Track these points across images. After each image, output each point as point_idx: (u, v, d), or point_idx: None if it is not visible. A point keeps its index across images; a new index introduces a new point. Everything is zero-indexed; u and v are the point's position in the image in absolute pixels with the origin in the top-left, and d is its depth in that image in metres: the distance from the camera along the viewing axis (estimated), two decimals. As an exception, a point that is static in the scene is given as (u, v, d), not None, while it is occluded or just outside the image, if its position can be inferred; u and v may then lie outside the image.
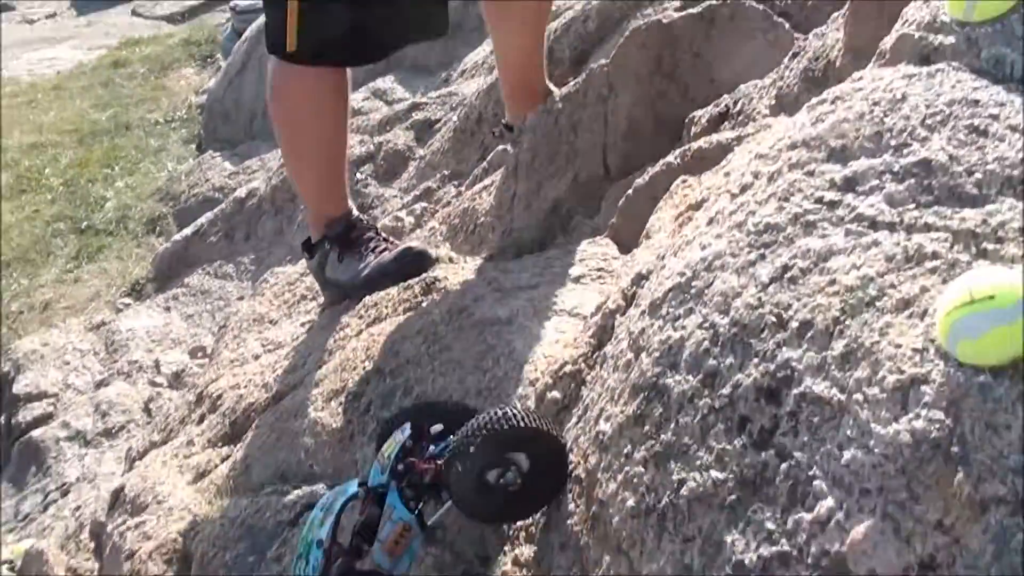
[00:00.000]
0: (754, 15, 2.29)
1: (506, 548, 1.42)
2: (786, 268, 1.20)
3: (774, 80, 1.95)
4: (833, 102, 1.37)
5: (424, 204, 3.34)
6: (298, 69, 2.31)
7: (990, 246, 1.07)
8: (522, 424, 1.30)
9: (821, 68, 1.83)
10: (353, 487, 1.45)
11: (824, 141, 1.31)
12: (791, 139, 1.36)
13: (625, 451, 1.24)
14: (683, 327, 1.26)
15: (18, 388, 3.95)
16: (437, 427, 1.44)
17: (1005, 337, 0.97)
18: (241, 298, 4.33)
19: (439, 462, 1.36)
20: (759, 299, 1.20)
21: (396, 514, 1.36)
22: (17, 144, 6.77)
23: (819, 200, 1.25)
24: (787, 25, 2.29)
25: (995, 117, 1.19)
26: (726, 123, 2.02)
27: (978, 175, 1.14)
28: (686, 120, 2.16)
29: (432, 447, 1.41)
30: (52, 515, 3.14)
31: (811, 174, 1.29)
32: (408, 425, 1.44)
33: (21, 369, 4.10)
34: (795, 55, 1.95)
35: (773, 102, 1.90)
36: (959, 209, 1.13)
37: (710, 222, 1.40)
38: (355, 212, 2.55)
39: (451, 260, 2.61)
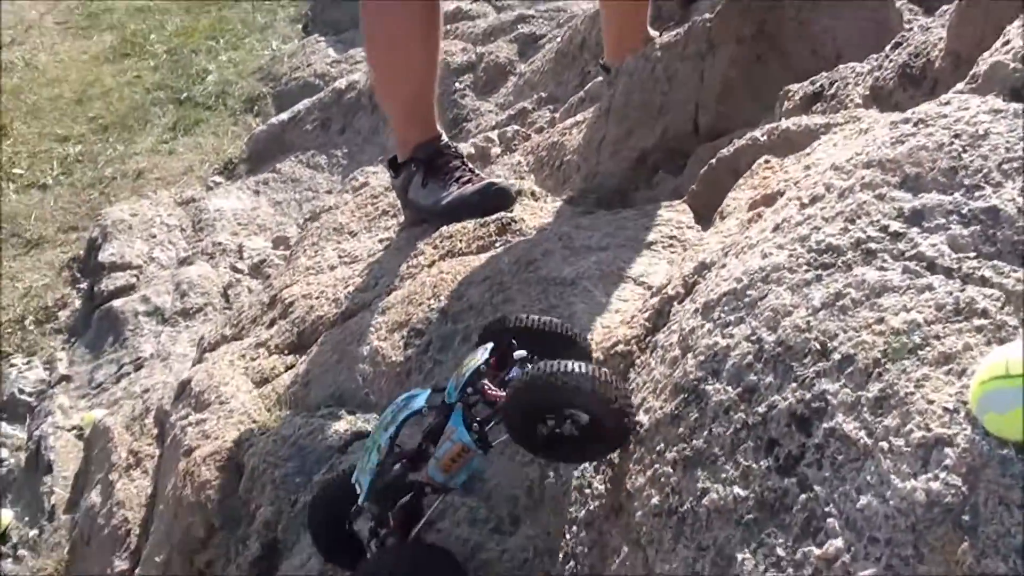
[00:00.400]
0: (865, -10, 2.24)
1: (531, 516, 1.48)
2: (839, 296, 1.22)
3: (872, 68, 1.92)
4: (916, 124, 1.36)
5: (517, 127, 3.35)
6: None
7: (1040, 313, 1.07)
8: (590, 386, 1.25)
9: (920, 66, 1.80)
10: (421, 401, 1.46)
11: (900, 166, 1.31)
12: (868, 156, 1.36)
13: (658, 448, 1.29)
14: (731, 335, 1.29)
15: (103, 256, 4.10)
16: (520, 352, 1.40)
17: (1032, 417, 0.98)
18: (329, 192, 4.43)
19: (501, 395, 1.34)
20: (808, 323, 1.22)
21: (456, 435, 1.36)
22: (125, 7, 6.88)
23: (884, 229, 1.25)
24: (898, 3, 2.24)
25: (1073, 173, 1.18)
26: (819, 104, 2.00)
27: (1044, 233, 1.14)
28: (780, 92, 2.14)
29: (511, 372, 1.38)
30: (124, 388, 3.29)
31: (881, 198, 1.30)
32: (491, 345, 1.42)
33: (108, 237, 4.25)
34: (897, 45, 1.91)
35: (867, 92, 1.88)
36: (1018, 268, 1.13)
37: (776, 229, 1.41)
38: (444, 137, 2.58)
39: (533, 195, 2.64)
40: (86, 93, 5.90)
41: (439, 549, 1.48)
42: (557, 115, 3.34)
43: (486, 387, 1.37)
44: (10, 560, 3.01)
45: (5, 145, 5.37)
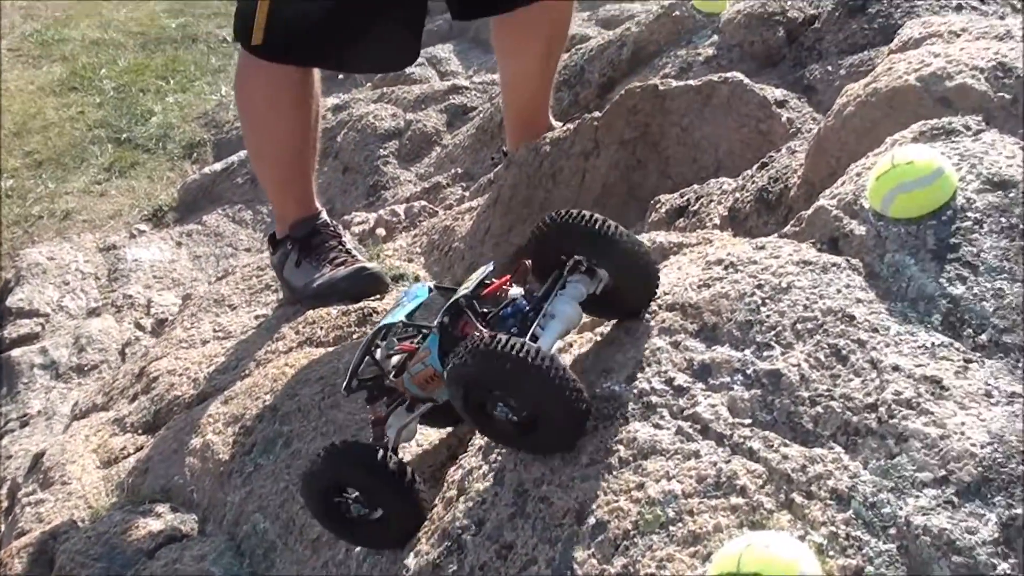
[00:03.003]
0: (752, 100, 2.19)
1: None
2: (609, 452, 1.14)
3: (735, 188, 1.86)
4: (727, 267, 1.30)
5: (424, 203, 3.29)
6: (262, 63, 2.24)
7: (798, 499, 1.00)
8: (529, 376, 1.09)
9: (777, 192, 1.74)
10: (398, 316, 1.37)
11: (700, 313, 1.25)
12: (674, 298, 1.29)
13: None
14: (501, 482, 1.21)
15: (11, 301, 3.99)
16: (516, 291, 1.29)
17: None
18: (248, 250, 4.34)
19: (482, 332, 1.20)
20: (572, 480, 1.14)
21: (429, 359, 1.29)
22: (80, 37, 6.78)
23: (669, 382, 1.18)
24: (784, 115, 2.19)
25: (861, 344, 1.12)
26: (682, 219, 1.93)
27: (819, 409, 1.07)
28: (651, 201, 2.08)
29: (505, 310, 1.26)
30: (4, 447, 3.17)
31: (676, 346, 1.23)
32: (490, 268, 1.33)
33: (21, 281, 4.14)
34: (763, 166, 1.86)
35: (726, 213, 1.82)
36: (788, 443, 1.06)
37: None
38: (323, 216, 2.50)
39: (417, 279, 2.57)
40: (26, 126, 5.80)
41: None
42: (467, 193, 3.28)
43: (462, 322, 1.27)
44: None
45: (-67, 176, 5.28)
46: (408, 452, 1.58)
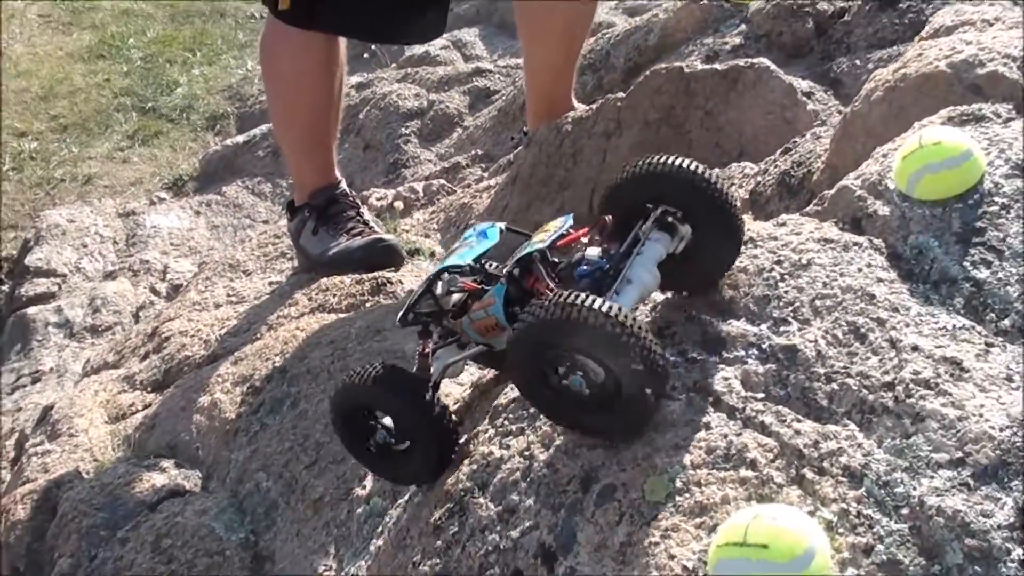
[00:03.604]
0: (778, 87, 2.16)
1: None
2: (619, 423, 1.12)
3: (758, 172, 1.84)
4: (746, 243, 1.27)
5: (443, 181, 3.27)
6: (288, 29, 2.24)
7: (809, 474, 0.98)
8: (608, 332, 0.99)
9: (800, 176, 1.72)
10: (466, 258, 1.26)
11: (717, 287, 1.22)
12: (692, 272, 1.27)
13: (414, 559, 1.19)
14: (508, 446, 1.19)
15: (30, 260, 4.00)
16: (593, 251, 1.19)
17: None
18: (266, 222, 4.34)
19: (551, 288, 1.14)
20: (577, 448, 1.12)
21: (493, 308, 1.20)
22: (110, 7, 6.80)
23: (683, 353, 1.16)
24: (809, 106, 2.16)
25: (880, 323, 1.09)
26: (704, 202, 1.91)
27: (835, 385, 1.05)
28: (673, 184, 2.05)
29: (580, 267, 1.18)
30: (15, 400, 3.18)
31: (691, 319, 1.21)
32: (569, 220, 1.23)
33: (41, 241, 4.15)
34: (787, 151, 1.83)
35: (747, 197, 1.80)
36: (801, 419, 1.04)
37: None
38: (342, 185, 2.49)
39: (433, 255, 2.56)
40: (53, 90, 5.82)
41: None
42: (486, 174, 3.26)
43: (533, 277, 1.18)
44: None
45: (-39, 136, 5.29)
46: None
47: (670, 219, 1.18)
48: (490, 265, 1.29)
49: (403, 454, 1.27)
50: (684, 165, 1.17)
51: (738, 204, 1.20)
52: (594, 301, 1.00)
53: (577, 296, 1.00)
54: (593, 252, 1.20)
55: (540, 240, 1.21)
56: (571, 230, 1.23)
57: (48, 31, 6.62)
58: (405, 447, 1.26)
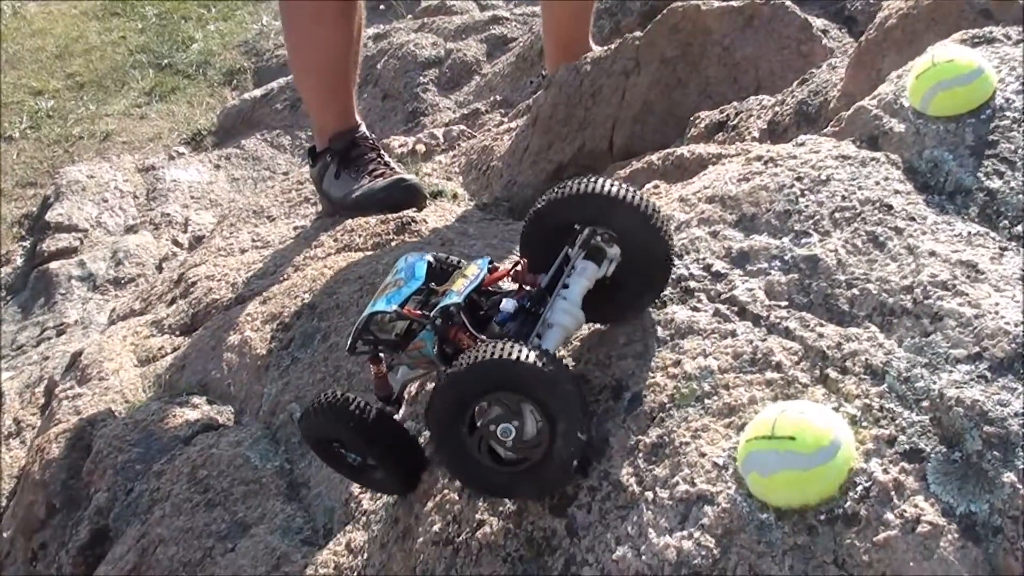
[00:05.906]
0: (793, 22, 2.18)
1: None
2: (646, 333, 1.16)
3: (775, 103, 1.87)
4: (766, 163, 1.31)
5: (463, 127, 3.30)
6: None
7: (833, 374, 1.02)
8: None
9: (817, 105, 1.74)
10: (392, 304, 1.19)
11: (739, 204, 1.26)
12: (713, 191, 1.30)
13: (444, 479, 1.23)
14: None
15: (51, 215, 4.05)
16: (509, 304, 1.15)
17: (794, 482, 0.93)
18: (286, 174, 4.37)
19: (474, 338, 1.12)
20: (609, 357, 1.16)
21: (425, 351, 1.16)
22: (123, -37, 6.82)
23: (707, 268, 1.20)
24: (824, 40, 2.18)
25: (898, 232, 1.13)
26: (721, 133, 1.94)
27: (855, 291, 1.09)
28: (691, 117, 2.08)
29: (500, 315, 1.15)
30: (40, 352, 3.24)
31: (714, 235, 1.24)
32: (487, 261, 1.21)
33: (61, 197, 4.20)
34: (803, 81, 1.86)
35: (765, 127, 1.82)
36: (824, 323, 1.08)
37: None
38: (361, 128, 2.52)
39: (455, 196, 2.59)
40: (68, 48, 5.85)
41: None
42: (507, 119, 3.28)
43: (453, 329, 1.14)
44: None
45: (-23, 94, 5.33)
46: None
47: (598, 240, 1.14)
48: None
49: (376, 469, 1.28)
50: (609, 187, 1.12)
51: (669, 224, 1.17)
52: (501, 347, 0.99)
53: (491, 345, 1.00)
54: (509, 304, 1.15)
55: (457, 291, 1.16)
56: (490, 271, 1.20)
57: (61, -11, 6.63)
58: (375, 464, 1.27)
